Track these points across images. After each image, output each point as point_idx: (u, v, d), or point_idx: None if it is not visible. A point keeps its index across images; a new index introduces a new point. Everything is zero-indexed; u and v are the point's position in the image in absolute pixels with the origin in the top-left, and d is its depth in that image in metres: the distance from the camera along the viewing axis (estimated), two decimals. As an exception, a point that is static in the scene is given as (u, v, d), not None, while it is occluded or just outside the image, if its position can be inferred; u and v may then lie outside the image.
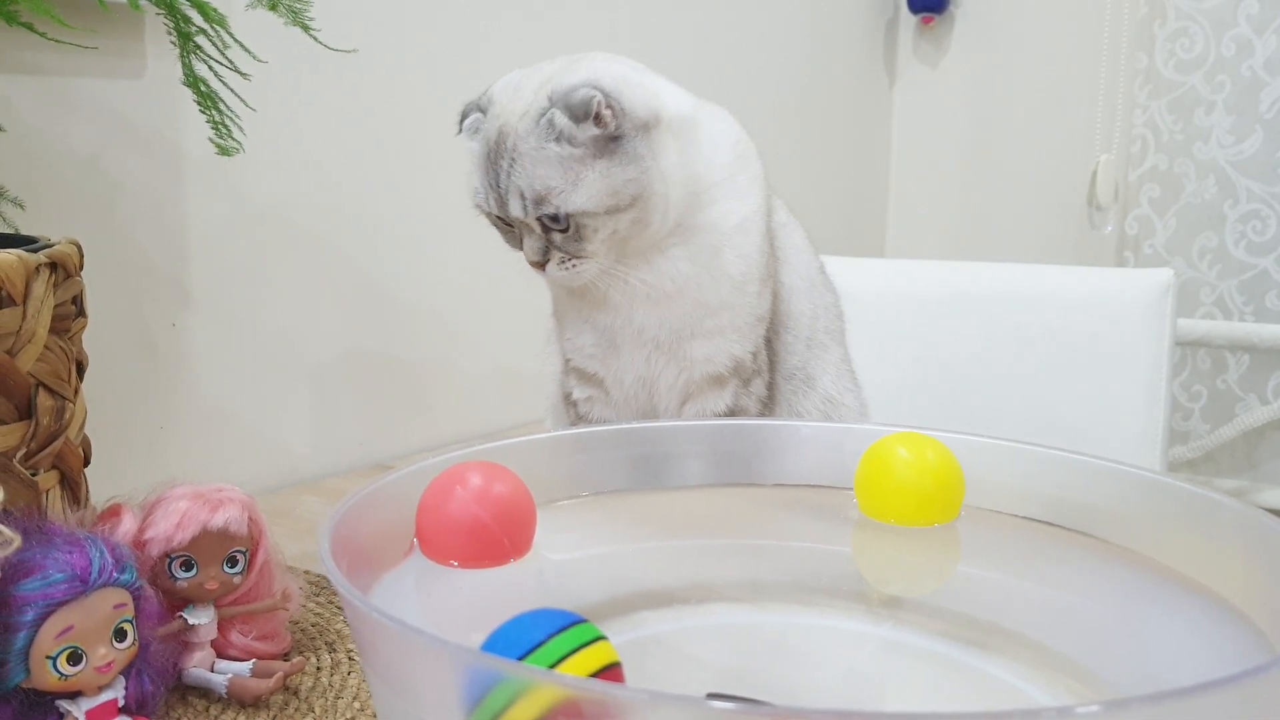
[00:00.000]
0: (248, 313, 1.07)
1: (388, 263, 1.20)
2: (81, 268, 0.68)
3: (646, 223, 0.71)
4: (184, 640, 0.62)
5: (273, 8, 0.80)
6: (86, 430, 0.69)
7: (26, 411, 0.62)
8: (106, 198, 0.95)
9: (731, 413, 0.78)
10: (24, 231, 0.78)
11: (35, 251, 0.63)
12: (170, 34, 0.79)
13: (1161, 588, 0.49)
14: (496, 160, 0.71)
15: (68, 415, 0.65)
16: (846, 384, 0.85)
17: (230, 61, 0.81)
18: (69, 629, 0.50)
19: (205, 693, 0.62)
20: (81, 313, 0.69)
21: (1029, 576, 0.55)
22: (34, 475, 0.63)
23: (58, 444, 0.64)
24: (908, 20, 2.13)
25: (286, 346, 1.11)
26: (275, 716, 0.61)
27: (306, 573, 0.76)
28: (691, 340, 0.76)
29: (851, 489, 0.59)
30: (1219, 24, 1.80)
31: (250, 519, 0.62)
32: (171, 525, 0.59)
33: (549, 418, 0.90)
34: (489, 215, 0.74)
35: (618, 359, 0.79)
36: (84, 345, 0.69)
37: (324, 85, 1.10)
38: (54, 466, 0.65)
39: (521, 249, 0.74)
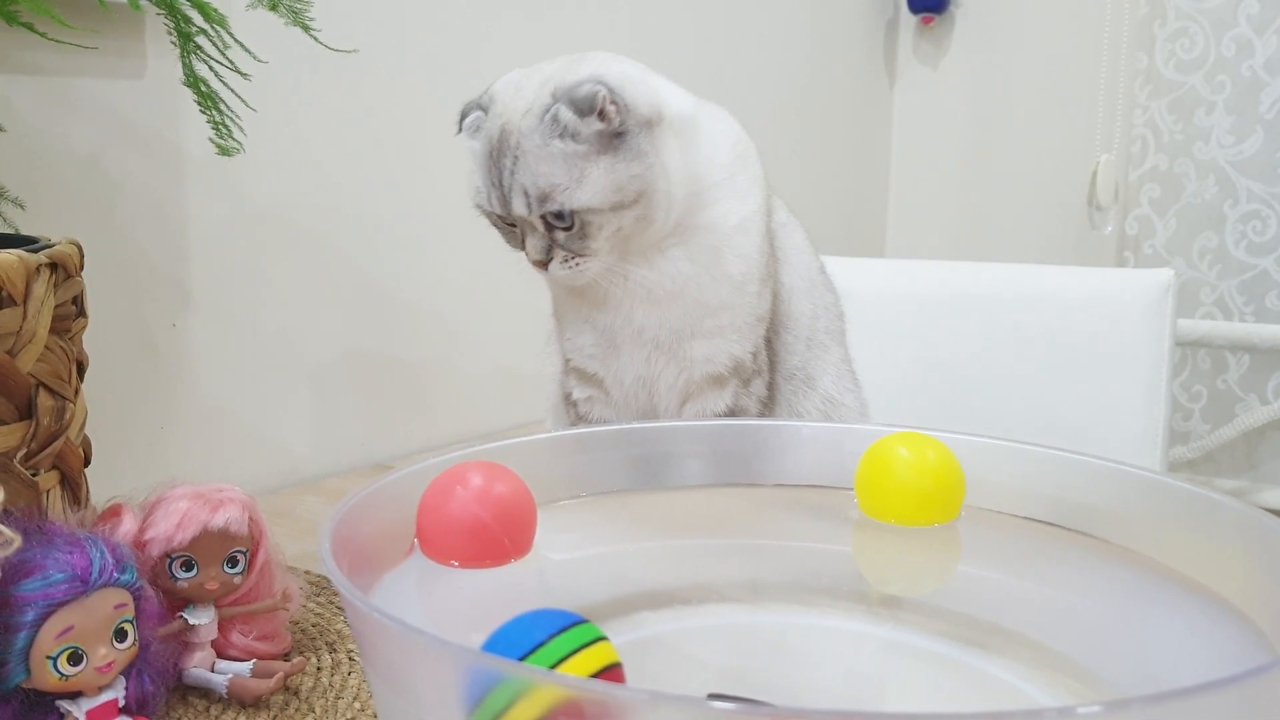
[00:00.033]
0: (248, 313, 1.07)
1: (388, 263, 1.20)
2: (82, 268, 0.68)
3: (650, 219, 0.71)
4: (184, 640, 0.62)
5: (273, 8, 0.80)
6: (87, 430, 0.70)
7: (27, 412, 0.62)
8: (107, 198, 0.95)
9: (731, 413, 0.78)
10: (24, 231, 0.78)
11: (36, 252, 0.63)
12: (170, 34, 0.79)
13: (1162, 588, 0.49)
14: (499, 158, 0.71)
15: (68, 415, 0.65)
16: (847, 384, 0.85)
17: (230, 62, 0.81)
18: (69, 629, 0.50)
19: (206, 693, 0.62)
20: (82, 313, 0.69)
21: (1029, 576, 0.55)
22: (34, 475, 0.63)
23: (58, 444, 0.64)
24: (908, 20, 2.13)
25: (286, 346, 1.11)
26: (276, 717, 0.61)
27: (307, 573, 0.76)
28: (691, 340, 0.76)
29: (852, 489, 0.59)
30: (1219, 24, 1.80)
31: (251, 519, 0.62)
32: (172, 525, 0.59)
33: (549, 418, 0.90)
34: (490, 215, 0.74)
35: (618, 359, 0.79)
36: (84, 345, 0.69)
37: (324, 85, 1.10)
38: (54, 467, 0.65)
39: (523, 249, 0.73)
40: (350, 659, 0.67)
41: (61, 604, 0.49)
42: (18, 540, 0.48)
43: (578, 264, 0.72)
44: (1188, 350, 1.91)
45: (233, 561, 0.62)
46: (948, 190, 2.14)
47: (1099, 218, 1.98)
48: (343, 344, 1.16)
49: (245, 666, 0.63)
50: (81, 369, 0.69)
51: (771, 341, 0.81)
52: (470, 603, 0.49)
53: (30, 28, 0.76)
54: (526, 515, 0.52)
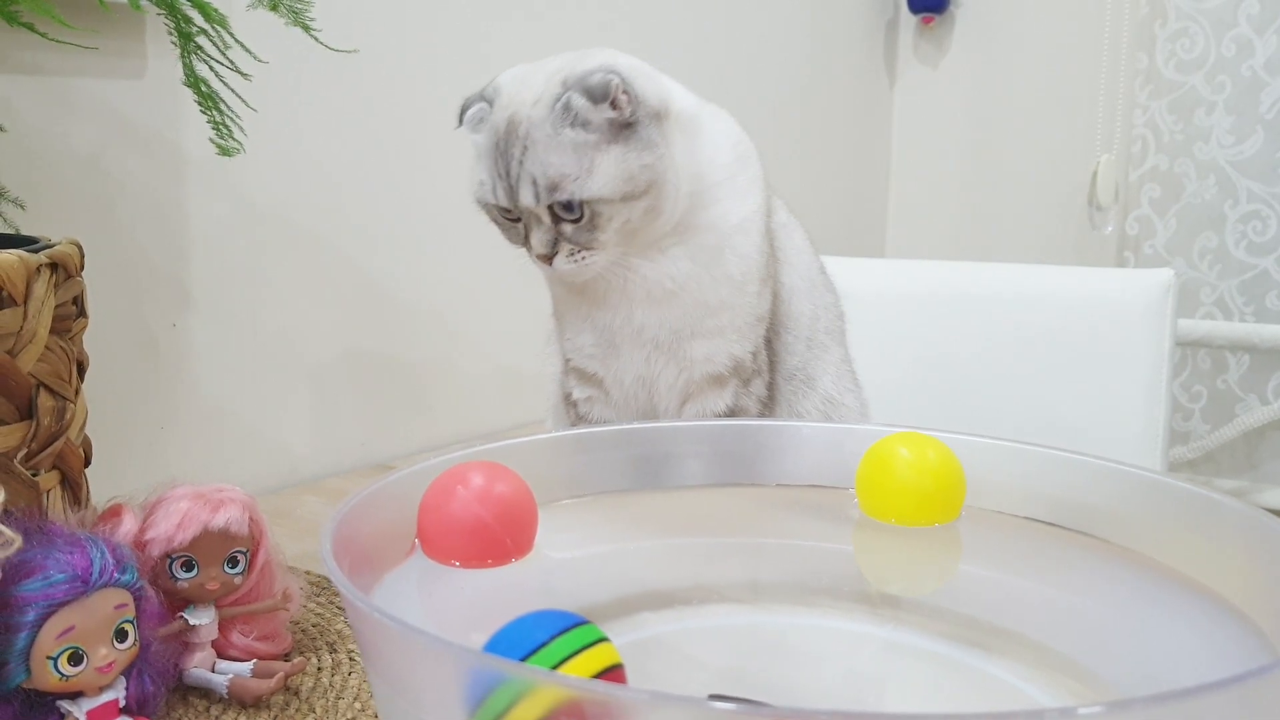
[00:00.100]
0: (248, 313, 1.07)
1: (388, 263, 1.20)
2: (82, 268, 0.68)
3: (659, 211, 0.71)
4: (185, 641, 0.62)
5: (274, 8, 0.80)
6: (87, 430, 0.69)
7: (27, 412, 0.62)
8: (107, 198, 0.95)
9: (731, 413, 0.78)
10: (24, 232, 0.78)
11: (36, 252, 0.63)
12: (171, 34, 0.79)
13: (1162, 588, 0.49)
14: (507, 149, 0.70)
15: (68, 415, 0.65)
16: (847, 384, 0.85)
17: (231, 62, 0.81)
18: (70, 629, 0.50)
19: (206, 693, 0.62)
20: (82, 313, 0.69)
21: (1030, 577, 0.55)
22: (35, 476, 0.63)
23: (58, 444, 0.64)
24: (908, 20, 2.13)
25: (286, 346, 1.11)
26: (276, 717, 0.61)
27: (307, 573, 0.76)
28: (691, 340, 0.76)
29: (852, 489, 0.59)
30: (1219, 24, 1.80)
31: (251, 519, 0.62)
32: (172, 525, 0.59)
33: (549, 418, 0.90)
34: (492, 209, 0.74)
35: (617, 359, 0.78)
36: (84, 345, 0.69)
37: (324, 85, 1.10)
38: (55, 467, 0.65)
39: (525, 244, 0.73)
40: (351, 659, 0.67)
41: (62, 604, 0.49)
42: (18, 540, 0.48)
43: (584, 257, 0.71)
44: (1188, 350, 1.91)
45: (233, 561, 0.62)
46: (948, 190, 2.14)
47: (1099, 218, 1.99)
48: (343, 344, 1.16)
49: (246, 667, 0.63)
50: (82, 369, 0.69)
51: (771, 342, 0.81)
52: (471, 603, 0.49)
53: (30, 28, 0.76)
54: (527, 515, 0.52)
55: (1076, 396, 1.18)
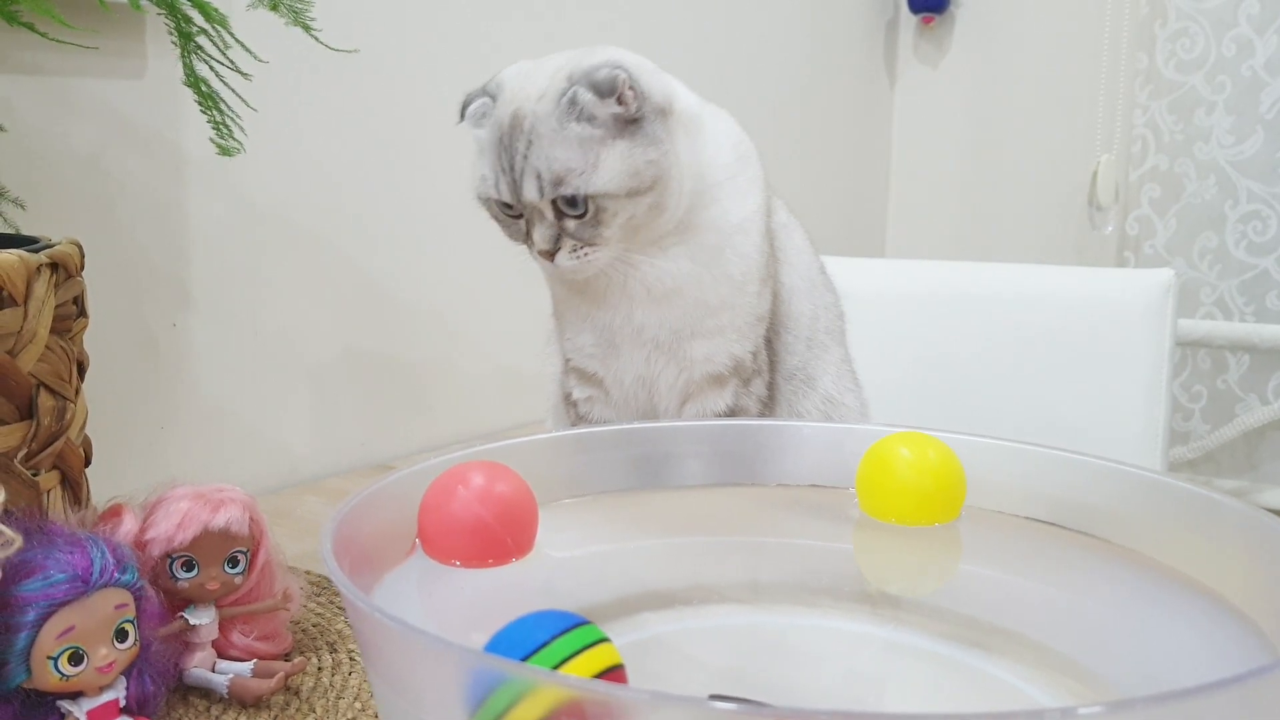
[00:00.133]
0: (248, 313, 1.07)
1: (388, 263, 1.20)
2: (82, 268, 0.68)
3: (663, 208, 0.71)
4: (185, 640, 0.62)
5: (274, 8, 0.80)
6: (87, 430, 0.69)
7: (28, 412, 0.62)
8: (107, 198, 0.95)
9: (732, 413, 0.78)
10: (25, 231, 0.78)
11: (36, 252, 0.63)
12: (171, 34, 0.79)
13: (1163, 588, 0.49)
14: (511, 144, 0.70)
15: (69, 415, 0.65)
16: (847, 384, 0.85)
17: (231, 61, 0.81)
18: (70, 629, 0.50)
19: (206, 693, 0.62)
20: (82, 313, 0.69)
21: (1030, 576, 0.55)
22: (35, 475, 0.63)
23: (59, 444, 0.64)
24: (908, 20, 2.13)
25: (286, 346, 1.11)
26: (276, 717, 0.61)
27: (308, 573, 0.76)
28: (691, 340, 0.76)
29: (852, 489, 0.59)
30: (1220, 24, 1.81)
31: (251, 519, 0.62)
32: (173, 525, 0.59)
33: (549, 418, 0.90)
34: (494, 205, 0.73)
35: (617, 359, 0.78)
36: (84, 345, 0.69)
37: (324, 85, 1.10)
38: (55, 467, 0.65)
39: (526, 241, 0.73)
40: (351, 659, 0.67)
41: (62, 604, 0.49)
42: (19, 540, 0.48)
43: (586, 254, 0.71)
44: (1188, 350, 1.91)
45: (233, 561, 0.62)
46: (948, 190, 2.14)
47: (1099, 218, 1.99)
48: (343, 344, 1.16)
49: (246, 666, 0.63)
50: (82, 369, 0.69)
51: (772, 341, 0.81)
52: (471, 602, 0.49)
53: (31, 28, 0.76)
54: (528, 514, 0.52)
55: (1076, 396, 1.18)
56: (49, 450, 0.64)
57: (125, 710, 0.54)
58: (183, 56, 0.79)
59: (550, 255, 0.71)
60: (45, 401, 0.63)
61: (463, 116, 0.75)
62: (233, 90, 0.82)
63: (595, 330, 0.78)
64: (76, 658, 0.50)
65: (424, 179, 1.21)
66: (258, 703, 0.61)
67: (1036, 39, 2.02)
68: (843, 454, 0.61)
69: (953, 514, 0.57)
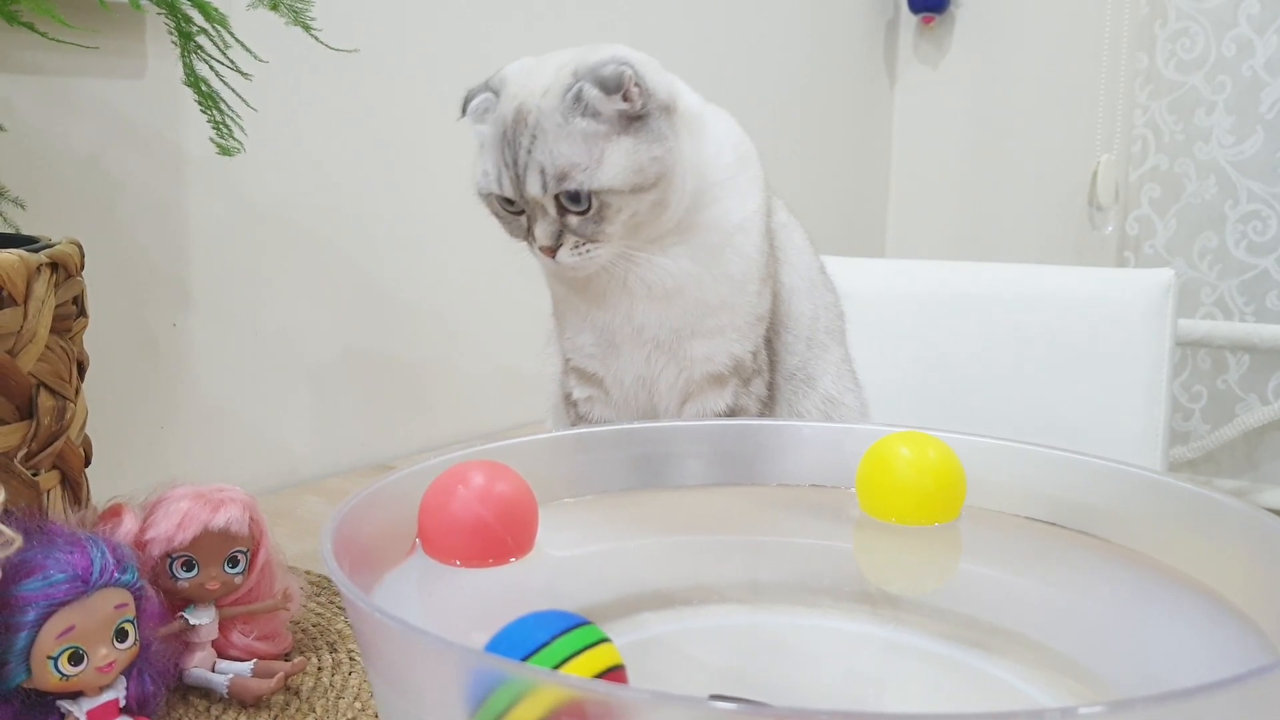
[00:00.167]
0: (248, 313, 1.07)
1: (388, 263, 1.20)
2: (82, 268, 0.68)
3: (666, 205, 0.71)
4: (185, 640, 0.62)
5: (274, 7, 0.80)
6: (87, 430, 0.69)
7: (28, 411, 0.62)
8: (107, 198, 0.95)
9: (732, 412, 0.78)
10: (25, 231, 0.78)
11: (36, 251, 0.63)
12: (171, 34, 0.79)
13: (1163, 588, 0.49)
14: (514, 139, 0.70)
15: (69, 415, 0.65)
16: (847, 384, 0.85)
17: (231, 61, 0.81)
18: (70, 629, 0.50)
19: (206, 693, 0.62)
20: (82, 313, 0.69)
21: (1030, 576, 0.55)
22: (35, 475, 0.63)
23: (59, 444, 0.64)
24: (908, 20, 2.13)
25: (286, 346, 1.11)
26: (276, 717, 0.61)
27: (307, 573, 0.76)
28: (691, 339, 0.76)
29: (853, 489, 0.59)
30: (1220, 24, 1.81)
31: (251, 519, 0.62)
32: (173, 525, 0.59)
33: (549, 418, 0.89)
34: (495, 201, 0.73)
35: (617, 358, 0.78)
36: (84, 345, 0.69)
37: (324, 85, 1.10)
38: (55, 467, 0.65)
39: (527, 238, 0.73)
40: (351, 659, 0.67)
41: (62, 604, 0.49)
42: (18, 540, 0.48)
43: (588, 250, 0.71)
44: (1188, 350, 1.91)
45: (233, 561, 0.62)
46: (948, 190, 2.14)
47: (1099, 218, 1.99)
48: (343, 344, 1.16)
49: (246, 666, 0.63)
50: (82, 369, 0.69)
51: (772, 341, 0.81)
52: (472, 602, 0.49)
53: (31, 27, 0.76)
54: (528, 514, 0.52)
55: (1076, 396, 1.18)
56: (49, 450, 0.64)
57: (125, 710, 0.54)
58: (183, 56, 0.79)
59: (552, 252, 0.71)
60: (45, 401, 0.63)
61: (464, 112, 0.74)
62: (233, 90, 0.82)
63: (595, 330, 0.78)
64: (76, 657, 0.50)
65: (424, 179, 1.21)
66: (258, 703, 0.61)
67: (1036, 39, 2.02)
68: (843, 454, 0.61)
69: (953, 514, 0.57)
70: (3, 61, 0.87)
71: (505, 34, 1.28)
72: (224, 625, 0.63)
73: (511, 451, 0.56)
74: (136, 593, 0.53)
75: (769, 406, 0.81)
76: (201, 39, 0.80)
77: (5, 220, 0.79)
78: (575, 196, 0.69)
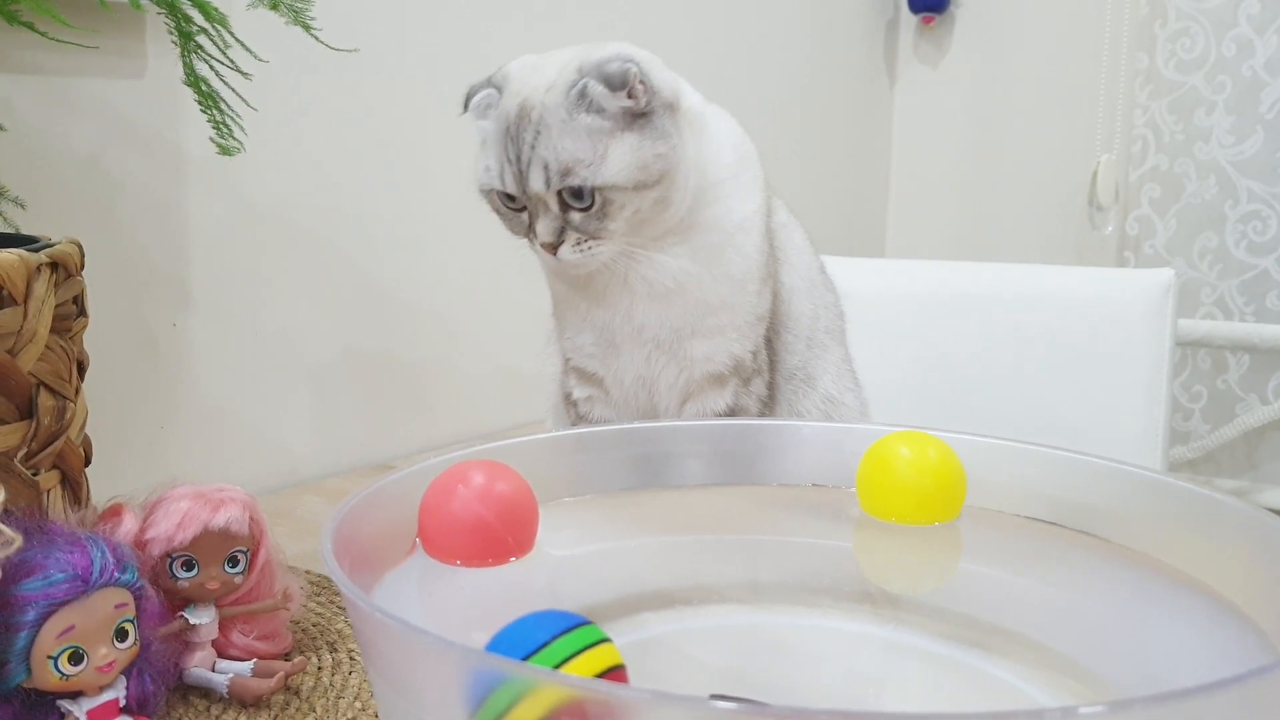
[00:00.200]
0: (248, 313, 1.07)
1: (388, 263, 1.20)
2: (82, 267, 0.68)
3: (669, 203, 0.71)
4: (185, 640, 0.62)
5: (274, 7, 0.80)
6: (87, 430, 0.69)
7: (27, 411, 0.62)
8: (107, 198, 0.95)
9: (732, 412, 0.78)
10: (25, 231, 0.78)
11: (36, 251, 0.63)
12: (171, 33, 0.79)
13: (1164, 588, 0.49)
14: (518, 134, 0.70)
15: (69, 415, 0.65)
16: (847, 384, 0.85)
17: (231, 61, 0.81)
18: (70, 629, 0.50)
19: (206, 693, 0.62)
20: (82, 312, 0.69)
21: (1030, 576, 0.55)
22: (35, 475, 0.63)
23: (59, 444, 0.64)
24: (908, 20, 2.13)
25: (286, 346, 1.11)
26: (276, 716, 0.61)
27: (308, 572, 0.76)
28: (692, 339, 0.76)
29: (852, 488, 0.59)
30: (1220, 24, 1.81)
31: (251, 519, 0.62)
32: (173, 525, 0.59)
33: (549, 418, 0.89)
34: (496, 197, 0.73)
35: (618, 358, 0.78)
36: (84, 345, 0.69)
37: (325, 85, 1.10)
38: (55, 466, 0.65)
39: (528, 235, 0.72)
40: (351, 658, 0.67)
41: (62, 603, 0.49)
42: (18, 540, 0.48)
43: (590, 247, 0.70)
44: (1188, 350, 1.91)
45: (233, 561, 0.62)
46: (948, 190, 2.14)
47: (1099, 218, 1.99)
48: (343, 344, 1.16)
49: (246, 666, 0.63)
50: (82, 368, 0.69)
51: (772, 341, 0.81)
52: (472, 602, 0.49)
53: (31, 27, 0.76)
54: (528, 513, 0.52)
55: (1076, 396, 1.18)
56: (49, 450, 0.64)
57: (125, 710, 0.54)
58: (183, 56, 0.79)
59: (553, 248, 0.71)
60: (45, 401, 0.63)
61: (466, 108, 0.74)
62: (233, 90, 0.82)
63: (595, 329, 0.78)
64: (76, 657, 0.50)
65: (424, 179, 1.21)
66: (258, 702, 0.61)
67: (1036, 39, 2.02)
68: (843, 453, 0.61)
69: (953, 513, 0.57)
70: (3, 61, 0.87)
71: (505, 34, 1.28)
72: (224, 625, 0.63)
73: (511, 451, 0.56)
74: (136, 592, 0.53)
75: (769, 406, 0.81)
76: (201, 39, 0.80)
77: (5, 220, 0.79)
78: (578, 192, 0.69)
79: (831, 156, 2.02)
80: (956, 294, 1.25)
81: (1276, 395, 1.85)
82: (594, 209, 0.69)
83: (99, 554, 0.51)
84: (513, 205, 0.72)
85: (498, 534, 0.50)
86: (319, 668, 0.66)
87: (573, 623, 0.35)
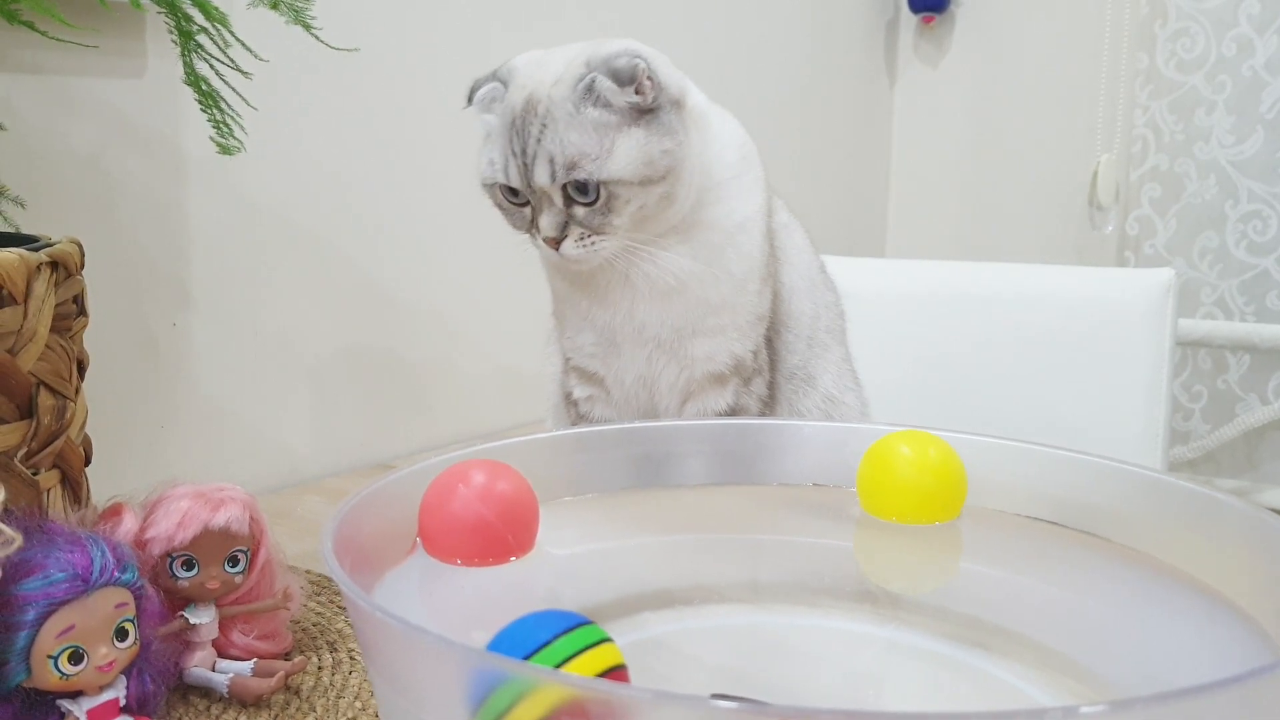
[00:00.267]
0: (248, 313, 1.07)
1: (388, 263, 1.20)
2: (82, 267, 0.68)
3: (673, 199, 0.71)
4: (185, 640, 0.62)
5: (274, 6, 0.80)
6: (87, 430, 0.69)
7: (28, 411, 0.62)
8: (107, 197, 0.95)
9: (732, 412, 0.78)
10: (25, 230, 0.78)
11: (36, 250, 0.63)
12: (171, 33, 0.79)
13: (1165, 587, 0.49)
14: (524, 128, 0.70)
15: (69, 414, 0.65)
16: (847, 383, 0.85)
17: (231, 60, 0.81)
18: (70, 628, 0.50)
19: (206, 692, 0.62)
20: (82, 312, 0.69)
21: (1031, 576, 0.55)
22: (35, 474, 0.63)
23: (59, 443, 0.64)
24: (908, 20, 2.13)
25: (286, 346, 1.11)
26: (277, 716, 0.61)
27: (308, 572, 0.76)
28: (692, 338, 0.76)
29: (853, 488, 0.59)
30: (1220, 24, 1.81)
31: (251, 518, 0.62)
32: (173, 525, 0.59)
33: (549, 418, 0.89)
34: (499, 191, 0.73)
35: (618, 358, 0.78)
36: (84, 344, 0.69)
37: (325, 85, 1.10)
38: (55, 466, 0.65)
39: (530, 230, 0.72)
40: (351, 658, 0.67)
41: (62, 603, 0.49)
42: (19, 539, 0.48)
43: (593, 242, 0.70)
44: (1188, 350, 1.91)
45: (234, 561, 0.62)
46: (948, 190, 2.14)
47: (1099, 218, 1.99)
48: (343, 344, 1.16)
49: (246, 666, 0.63)
50: (82, 368, 0.69)
51: (772, 340, 0.81)
52: (473, 601, 0.49)
53: (31, 26, 0.76)
54: (529, 512, 0.52)
55: (1076, 396, 1.18)
56: (49, 449, 0.63)
57: (125, 709, 0.54)
58: (183, 55, 0.79)
59: (556, 243, 0.71)
60: (45, 400, 0.63)
61: (470, 101, 0.74)
62: (233, 89, 0.82)
63: (596, 329, 0.78)
64: (76, 657, 0.50)
65: (424, 179, 1.21)
66: (258, 702, 0.61)
67: (1036, 39, 2.02)
68: (843, 453, 0.61)
69: (954, 513, 0.57)
70: (3, 61, 0.87)
71: (505, 33, 1.28)
72: (224, 624, 0.63)
73: (512, 451, 0.56)
74: (136, 592, 0.53)
75: (770, 406, 0.81)
76: (202, 38, 0.79)
77: (5, 220, 0.79)
78: (583, 187, 0.68)
79: (831, 156, 2.02)
80: (956, 294, 1.25)
81: (1277, 395, 1.85)
82: (598, 204, 0.69)
83: (99, 553, 0.51)
84: (516, 200, 0.72)
85: (498, 533, 0.50)
86: (319, 667, 0.66)
87: (574, 622, 0.35)
